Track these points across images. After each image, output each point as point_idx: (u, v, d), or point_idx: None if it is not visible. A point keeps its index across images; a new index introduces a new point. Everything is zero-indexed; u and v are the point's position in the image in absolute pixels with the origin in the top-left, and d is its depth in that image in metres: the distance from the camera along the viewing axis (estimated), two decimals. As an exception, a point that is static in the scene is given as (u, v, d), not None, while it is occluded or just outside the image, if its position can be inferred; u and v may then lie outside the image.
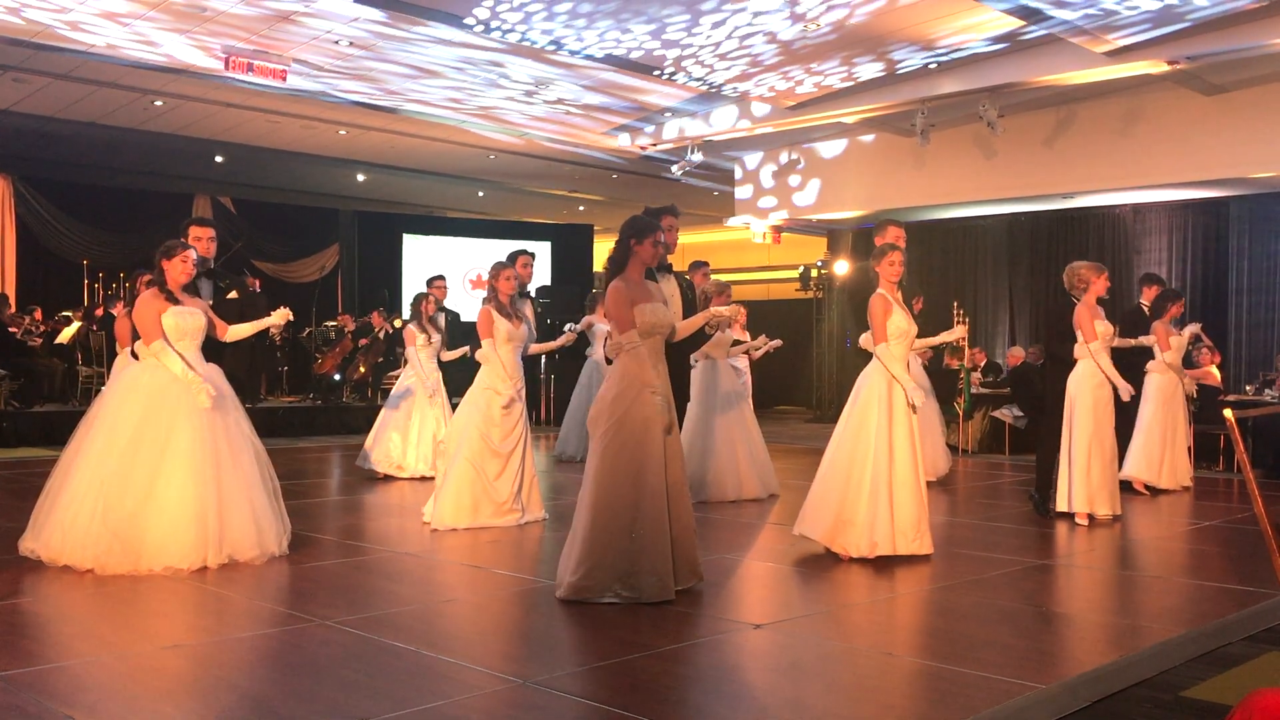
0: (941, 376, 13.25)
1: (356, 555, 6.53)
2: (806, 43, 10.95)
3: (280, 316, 6.38)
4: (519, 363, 7.38)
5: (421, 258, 18.83)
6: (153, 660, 4.18)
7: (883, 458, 6.05)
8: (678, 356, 5.63)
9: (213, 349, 6.21)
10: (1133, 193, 13.72)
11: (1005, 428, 13.05)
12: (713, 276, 9.20)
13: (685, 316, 5.67)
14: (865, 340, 6.36)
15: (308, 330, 16.58)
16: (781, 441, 8.80)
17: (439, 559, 6.39)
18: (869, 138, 15.00)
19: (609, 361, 5.31)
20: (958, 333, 7.79)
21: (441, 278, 10.43)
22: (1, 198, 16.18)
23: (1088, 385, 7.65)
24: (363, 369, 15.37)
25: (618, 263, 5.23)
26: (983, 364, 14.24)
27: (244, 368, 6.89)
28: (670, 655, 4.31)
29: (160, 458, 5.72)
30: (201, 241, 6.59)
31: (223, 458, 5.88)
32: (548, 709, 3.65)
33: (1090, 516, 7.57)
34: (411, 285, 18.73)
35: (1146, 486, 9.32)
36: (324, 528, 7.35)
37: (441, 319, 9.97)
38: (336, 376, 15.74)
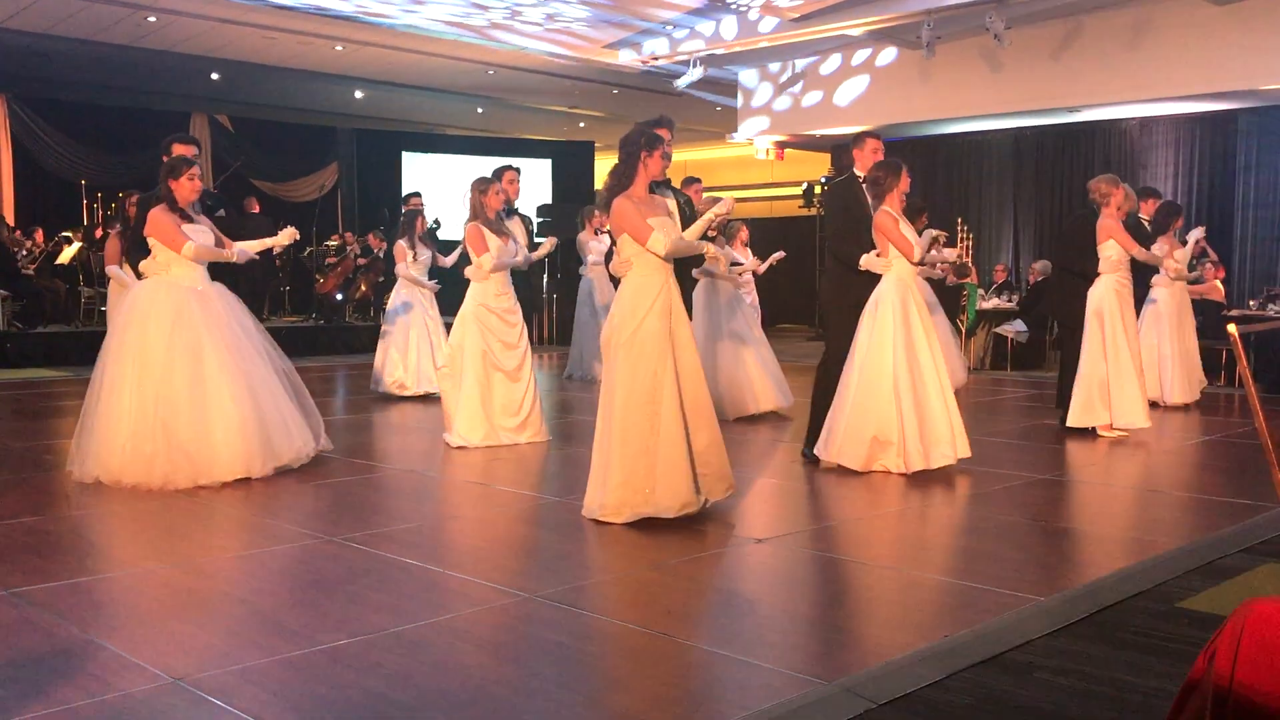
0: (949, 293, 13.24)
1: (365, 473, 6.58)
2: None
3: (287, 236, 6.47)
4: (508, 279, 7.39)
5: (421, 175, 18.65)
6: (165, 577, 4.24)
7: (904, 373, 6.11)
8: (682, 271, 5.58)
9: (220, 268, 6.26)
10: (1140, 105, 13.54)
11: (1008, 343, 13.06)
12: (708, 194, 9.09)
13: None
14: (869, 260, 6.36)
15: (308, 250, 16.51)
16: (785, 360, 8.81)
17: (447, 476, 6.44)
18: (874, 51, 14.77)
19: (614, 280, 5.26)
20: (954, 255, 7.74)
21: (418, 194, 10.44)
22: (-4, 117, 16.01)
23: (1113, 299, 7.65)
24: (364, 288, 15.35)
25: (623, 178, 5.11)
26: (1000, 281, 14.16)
27: (245, 285, 6.90)
28: (674, 569, 4.36)
29: (200, 373, 5.83)
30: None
31: (251, 367, 6.03)
32: (554, 622, 3.71)
33: (1111, 429, 7.64)
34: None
35: (1154, 403, 9.31)
36: (332, 446, 7.39)
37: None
38: (339, 296, 15.72)
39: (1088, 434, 7.73)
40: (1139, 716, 2.91)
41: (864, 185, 6.49)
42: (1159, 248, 9.02)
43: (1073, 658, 3.33)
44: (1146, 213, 9.45)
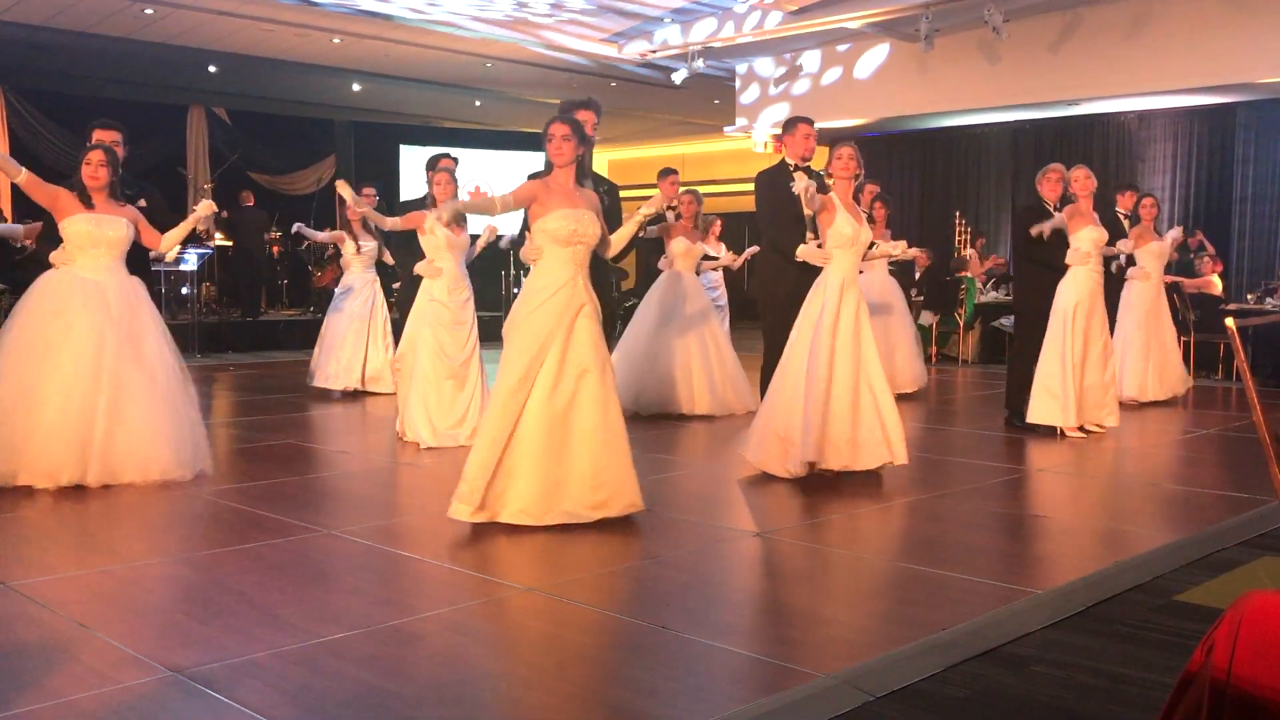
0: (942, 287, 13.25)
1: (356, 466, 6.58)
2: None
3: (205, 209, 6.17)
4: (462, 272, 7.24)
5: (419, 168, 18.57)
6: (162, 570, 4.24)
7: (820, 370, 5.66)
8: (604, 271, 5.34)
9: (139, 262, 6.04)
10: (1139, 99, 13.51)
11: (1005, 337, 13.05)
12: (701, 189, 9.05)
13: (608, 228, 5.21)
14: (806, 251, 5.95)
15: (306, 244, 16.47)
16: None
17: (434, 470, 6.43)
18: (872, 43, 14.75)
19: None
20: (899, 248, 7.36)
21: (370, 187, 10.38)
22: (-7, 109, 15.99)
23: (1080, 294, 7.34)
24: (361, 281, 15.29)
25: (546, 165, 5.05)
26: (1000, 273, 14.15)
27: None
28: (671, 562, 4.36)
29: (48, 364, 5.52)
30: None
31: (124, 372, 5.61)
32: (550, 614, 3.71)
33: (1082, 429, 7.40)
34: (409, 197, 18.56)
35: (1132, 399, 9.19)
36: (323, 440, 7.40)
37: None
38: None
39: (1047, 431, 7.44)
40: (1136, 709, 2.91)
41: (795, 173, 6.17)
42: (1130, 238, 8.73)
43: (1070, 651, 3.33)
44: (1124, 207, 9.35)
